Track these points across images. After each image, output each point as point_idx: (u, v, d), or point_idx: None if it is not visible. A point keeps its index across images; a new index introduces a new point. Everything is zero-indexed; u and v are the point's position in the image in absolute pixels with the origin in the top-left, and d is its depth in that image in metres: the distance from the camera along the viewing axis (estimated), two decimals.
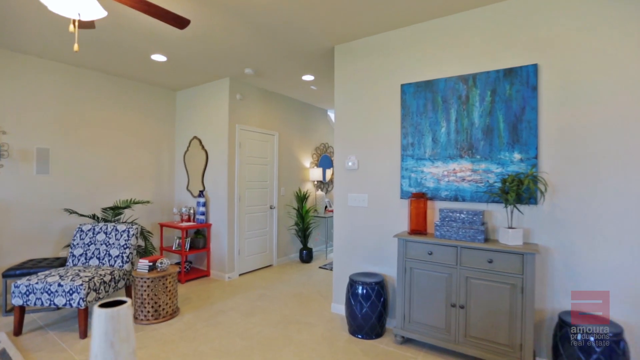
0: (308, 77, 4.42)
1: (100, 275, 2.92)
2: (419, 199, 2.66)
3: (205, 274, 4.47)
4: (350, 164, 3.20)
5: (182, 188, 4.95)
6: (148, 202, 4.26)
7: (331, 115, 6.72)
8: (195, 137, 4.75)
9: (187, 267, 4.40)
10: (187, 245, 4.29)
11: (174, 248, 4.33)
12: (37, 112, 3.67)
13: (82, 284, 2.68)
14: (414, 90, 2.84)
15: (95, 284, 2.79)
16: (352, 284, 2.81)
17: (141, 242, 4.15)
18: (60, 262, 3.36)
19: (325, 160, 6.38)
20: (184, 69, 4.03)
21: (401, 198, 2.87)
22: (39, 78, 3.69)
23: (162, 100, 4.91)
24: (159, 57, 3.67)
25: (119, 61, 3.80)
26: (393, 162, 2.94)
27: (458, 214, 2.46)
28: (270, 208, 5.05)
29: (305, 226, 5.34)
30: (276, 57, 3.69)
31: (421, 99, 2.80)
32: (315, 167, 5.99)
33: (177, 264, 4.55)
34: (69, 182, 3.91)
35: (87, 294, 2.70)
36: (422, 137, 2.79)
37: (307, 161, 5.87)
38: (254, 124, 4.75)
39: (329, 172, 6.42)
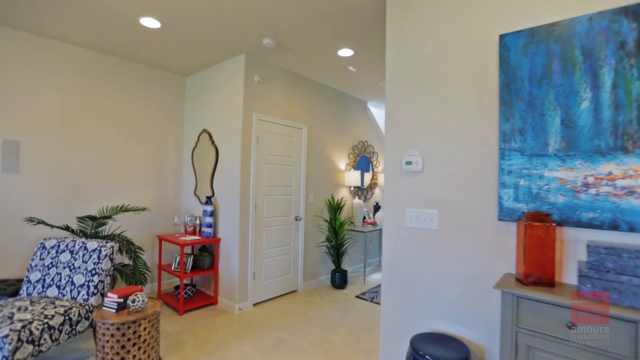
0: (346, 52, 3.38)
1: (46, 317, 2.05)
2: (539, 223, 1.51)
3: (212, 302, 3.55)
4: (409, 163, 2.11)
5: (190, 192, 4.09)
6: (144, 209, 3.43)
7: (372, 109, 5.64)
8: (204, 131, 3.88)
9: (190, 291, 3.51)
10: (189, 265, 3.40)
11: (172, 268, 3.45)
12: (3, 96, 2.93)
13: (8, 335, 1.81)
14: (524, 43, 1.70)
15: (32, 333, 1.92)
16: (416, 358, 1.72)
17: (126, 262, 3.30)
18: (18, 288, 2.56)
19: (363, 162, 5.30)
20: (184, 39, 3.15)
21: (500, 219, 1.73)
22: (4, 51, 2.95)
23: (170, 87, 4.09)
24: (150, 22, 2.80)
25: (102, 31, 2.99)
26: (484, 160, 1.82)
27: (631, 258, 1.30)
28: (296, 219, 4.05)
29: (339, 243, 4.28)
30: (304, 20, 2.70)
31: (539, 55, 1.66)
32: (352, 169, 4.92)
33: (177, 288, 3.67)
34: (46, 183, 3.15)
35: (16, 349, 1.83)
36: (542, 118, 1.65)
37: (342, 162, 4.82)
38: (276, 114, 3.79)
39: (367, 175, 5.33)
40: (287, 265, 3.96)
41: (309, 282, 4.27)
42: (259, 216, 3.60)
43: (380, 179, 5.52)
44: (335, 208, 4.34)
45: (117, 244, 2.99)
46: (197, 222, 3.73)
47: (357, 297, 3.94)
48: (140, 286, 2.62)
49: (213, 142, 3.75)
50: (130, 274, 3.07)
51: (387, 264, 2.20)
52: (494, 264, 1.77)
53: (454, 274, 1.91)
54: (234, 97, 3.51)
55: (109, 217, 3.00)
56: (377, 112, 5.71)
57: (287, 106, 3.93)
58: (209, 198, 3.58)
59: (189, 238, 3.45)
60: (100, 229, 3.10)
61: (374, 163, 5.53)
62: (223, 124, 3.64)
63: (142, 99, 3.84)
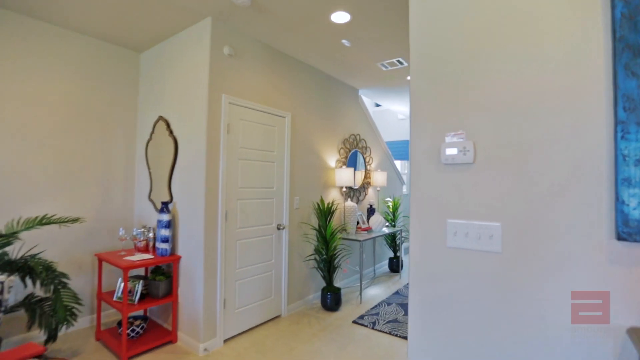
0: (341, 17, 2.66)
1: None
2: None
3: (170, 340, 2.73)
4: (452, 152, 1.41)
5: (144, 197, 3.25)
6: (76, 220, 2.57)
7: (364, 98, 4.95)
8: (160, 119, 3.05)
9: (140, 327, 2.68)
10: (137, 294, 2.57)
11: (114, 298, 2.61)
12: None
13: None
14: None
15: None
16: None
17: (42, 294, 2.42)
18: None
19: (355, 158, 4.60)
20: None
21: (621, 238, 1.05)
22: None
23: (119, 65, 3.24)
24: None
25: None
26: (587, 141, 1.13)
27: None
28: (278, 229, 3.29)
29: (331, 255, 3.55)
30: None
31: None
32: (344, 167, 4.21)
33: (130, 319, 2.82)
34: None
35: None
36: None
37: (331, 159, 4.10)
38: (253, 98, 3.02)
39: (359, 174, 4.64)
40: (267, 286, 3.19)
41: (295, 304, 3.51)
42: (230, 226, 2.81)
43: (375, 177, 4.84)
44: (325, 213, 3.61)
45: (16, 276, 2.13)
46: (151, 235, 2.90)
47: (354, 322, 3.22)
48: (42, 346, 1.79)
49: (171, 132, 2.93)
50: (49, 311, 2.22)
51: (415, 309, 1.48)
52: (613, 312, 1.08)
53: (534, 327, 1.21)
54: (198, 73, 2.71)
55: (14, 234, 2.14)
56: (368, 102, 5.04)
57: (267, 89, 3.16)
58: (165, 205, 2.76)
59: (136, 257, 2.62)
60: (6, 249, 2.23)
61: (367, 159, 4.85)
62: (184, 109, 2.84)
63: (80, 79, 2.97)
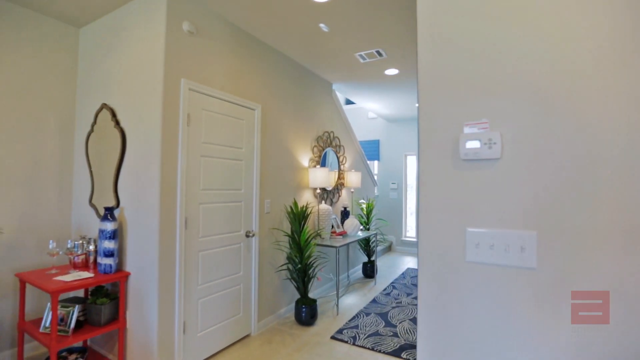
0: None
1: None
2: None
3: None
4: (474, 146, 1.15)
5: (84, 201, 2.72)
6: None
7: (339, 94, 4.68)
8: (104, 107, 2.55)
9: None
10: (71, 323, 2.07)
11: (41, 329, 2.09)
12: None
13: None
14: None
15: None
16: None
17: None
18: None
19: (328, 158, 4.31)
20: None
21: None
22: None
23: (54, 42, 2.68)
24: None
25: None
26: None
27: None
28: (247, 236, 2.90)
29: (306, 263, 3.22)
30: None
31: None
32: (318, 166, 3.90)
33: (64, 353, 2.29)
34: None
35: None
36: None
37: (305, 158, 3.77)
38: (219, 85, 2.62)
39: (332, 174, 4.35)
40: (235, 302, 2.79)
41: (266, 319, 3.14)
42: (191, 235, 2.39)
43: (349, 178, 4.58)
44: (299, 217, 3.27)
45: None
46: (92, 247, 2.40)
47: (333, 337, 2.92)
48: None
49: (117, 122, 2.45)
50: None
51: (424, 345, 1.20)
52: None
53: None
54: (151, 52, 2.27)
55: None
56: (341, 98, 4.78)
57: (235, 76, 2.77)
58: (109, 210, 2.28)
59: (71, 277, 2.12)
60: None
61: (341, 159, 4.58)
62: (133, 95, 2.37)
63: (5, 57, 2.40)
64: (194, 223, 2.41)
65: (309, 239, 3.27)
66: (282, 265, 3.27)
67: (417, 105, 1.34)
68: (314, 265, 3.38)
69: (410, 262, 5.84)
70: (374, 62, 3.59)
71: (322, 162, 4.12)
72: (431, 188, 1.25)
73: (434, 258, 1.23)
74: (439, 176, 1.25)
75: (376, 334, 2.99)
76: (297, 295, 3.55)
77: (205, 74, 2.50)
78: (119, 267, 2.35)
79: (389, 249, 6.85)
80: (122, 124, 2.42)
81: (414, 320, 3.29)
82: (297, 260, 3.22)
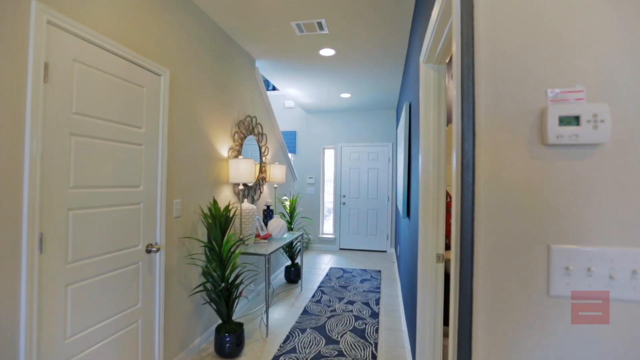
0: None
1: None
2: None
3: None
4: (570, 123, 0.74)
5: None
6: None
7: (263, 73, 4.01)
8: None
9: None
10: None
11: None
12: None
13: None
14: None
15: None
16: None
17: None
18: None
19: (249, 147, 3.64)
20: None
21: None
22: None
23: None
24: None
25: None
26: None
27: None
28: (149, 251, 2.07)
29: (228, 279, 2.52)
30: None
31: None
32: (240, 157, 3.20)
33: None
34: None
35: None
36: None
37: (224, 146, 3.04)
38: (107, 30, 1.73)
39: (254, 167, 3.69)
40: (131, 346, 1.95)
41: (177, 358, 2.35)
42: (52, 261, 1.49)
43: (272, 172, 3.98)
44: (221, 221, 2.55)
45: None
46: None
47: None
48: None
49: None
50: None
51: None
52: None
53: None
54: None
55: None
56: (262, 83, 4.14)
57: (134, 22, 1.90)
58: None
59: None
60: None
61: (263, 149, 3.94)
62: None
63: None
64: (58, 241, 1.51)
65: (233, 248, 2.58)
66: (197, 287, 2.50)
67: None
68: (240, 280, 2.70)
69: (330, 261, 5.57)
70: (311, 37, 3.07)
71: (244, 151, 3.42)
72: (494, 186, 0.80)
73: (496, 290, 0.79)
74: (506, 169, 0.81)
75: (319, 356, 2.52)
76: (217, 320, 2.82)
77: (85, 6, 1.60)
78: None
79: (306, 247, 6.48)
80: None
81: (355, 332, 2.93)
82: (217, 277, 2.50)
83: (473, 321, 0.80)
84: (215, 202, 2.56)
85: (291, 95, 5.31)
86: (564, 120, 0.74)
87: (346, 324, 3.11)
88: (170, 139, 2.25)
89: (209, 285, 2.55)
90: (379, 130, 6.30)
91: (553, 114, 0.74)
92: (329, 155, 6.76)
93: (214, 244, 2.53)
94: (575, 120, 0.74)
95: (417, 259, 2.25)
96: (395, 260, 5.44)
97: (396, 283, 4.37)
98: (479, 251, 0.80)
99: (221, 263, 2.49)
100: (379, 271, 4.95)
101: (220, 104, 2.94)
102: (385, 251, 6.30)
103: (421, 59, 1.96)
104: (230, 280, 2.52)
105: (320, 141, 6.56)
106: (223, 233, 2.53)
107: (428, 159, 1.95)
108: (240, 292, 2.65)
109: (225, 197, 3.04)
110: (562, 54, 0.75)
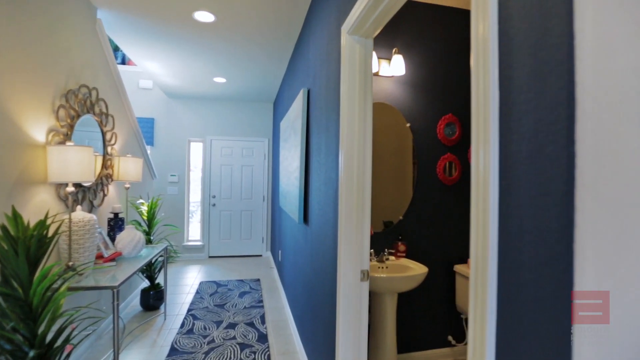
0: None
1: None
2: None
3: None
4: None
5: None
6: None
7: (110, 33, 2.89)
8: None
9: None
10: None
11: None
12: None
13: None
14: None
15: None
16: None
17: None
18: None
19: (87, 132, 2.56)
20: None
21: None
22: None
23: None
24: None
25: None
26: None
27: None
28: None
29: (43, 340, 1.55)
30: None
31: None
32: (70, 142, 2.12)
33: None
34: None
35: None
36: None
37: (38, 125, 1.95)
38: None
39: (93, 159, 2.61)
40: None
41: None
42: None
43: (123, 167, 2.94)
44: (28, 246, 1.54)
45: None
46: None
47: None
48: None
49: None
50: None
51: None
52: None
53: None
54: None
55: None
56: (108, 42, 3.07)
57: None
58: None
59: None
60: None
61: (108, 136, 2.87)
62: None
63: None
64: None
65: (53, 287, 1.62)
66: None
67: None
68: (67, 336, 1.72)
69: (199, 274, 4.72)
70: None
71: (75, 137, 2.34)
72: (613, 185, 0.43)
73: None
74: (632, 157, 0.44)
75: None
76: None
77: None
78: None
79: (170, 261, 5.36)
80: None
81: None
82: (21, 341, 1.50)
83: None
84: (16, 215, 1.54)
85: (150, 72, 4.20)
86: None
87: (230, 357, 2.49)
88: None
89: (2, 357, 1.51)
90: (256, 124, 5.77)
91: None
92: (196, 149, 5.80)
93: (15, 285, 1.52)
94: None
95: (328, 276, 1.87)
96: (274, 266, 5.02)
97: (279, 293, 3.95)
98: (593, 277, 0.42)
99: (29, 316, 1.51)
100: (258, 280, 4.44)
101: (31, 54, 1.85)
102: (260, 255, 5.82)
103: (345, 28, 1.57)
104: (48, 342, 1.55)
105: (185, 132, 5.54)
106: (33, 265, 1.55)
107: (352, 154, 1.58)
108: (69, 354, 1.69)
109: (41, 204, 1.96)
110: None
